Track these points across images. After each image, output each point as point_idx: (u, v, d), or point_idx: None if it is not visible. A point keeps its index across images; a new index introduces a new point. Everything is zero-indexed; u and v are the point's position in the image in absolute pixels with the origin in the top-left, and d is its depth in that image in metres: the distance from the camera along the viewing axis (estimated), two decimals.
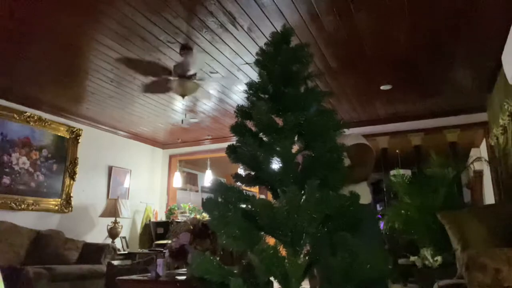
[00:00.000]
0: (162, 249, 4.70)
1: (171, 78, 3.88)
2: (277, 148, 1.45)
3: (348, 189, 1.98)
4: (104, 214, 5.42)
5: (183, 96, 3.89)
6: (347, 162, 2.09)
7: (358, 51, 3.47)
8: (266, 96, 1.59)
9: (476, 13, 2.86)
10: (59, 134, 5.14)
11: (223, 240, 1.42)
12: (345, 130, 1.76)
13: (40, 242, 4.35)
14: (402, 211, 4.47)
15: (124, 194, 6.06)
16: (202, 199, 9.02)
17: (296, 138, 1.52)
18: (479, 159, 5.09)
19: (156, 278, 2.77)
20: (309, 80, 1.65)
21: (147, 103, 4.80)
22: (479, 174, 5.88)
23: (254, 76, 3.75)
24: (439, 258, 3.90)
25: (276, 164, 1.47)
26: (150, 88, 4.25)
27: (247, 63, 3.69)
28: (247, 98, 1.62)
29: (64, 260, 4.31)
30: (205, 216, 3.61)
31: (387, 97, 4.59)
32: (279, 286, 1.40)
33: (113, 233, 5.37)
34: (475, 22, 2.98)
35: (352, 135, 2.41)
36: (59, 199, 5.05)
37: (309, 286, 3.88)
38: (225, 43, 3.31)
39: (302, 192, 1.42)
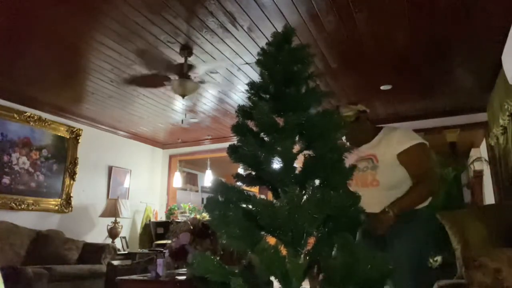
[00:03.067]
0: (162, 249, 4.70)
1: (171, 78, 3.89)
2: (278, 148, 1.45)
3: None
4: (104, 214, 5.42)
5: (183, 96, 3.89)
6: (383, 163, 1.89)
7: (358, 51, 3.47)
8: (267, 96, 1.59)
9: (476, 13, 2.86)
10: (59, 134, 5.13)
11: (224, 240, 1.42)
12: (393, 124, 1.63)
13: (40, 242, 4.35)
14: None
15: (124, 194, 6.06)
16: (202, 199, 9.03)
17: (297, 138, 1.52)
18: (479, 159, 5.09)
19: (156, 278, 2.77)
20: (310, 80, 1.65)
21: (147, 103, 4.79)
22: (479, 174, 5.87)
23: (254, 76, 3.76)
24: (439, 258, 3.90)
25: (277, 164, 1.47)
26: (147, 84, 4.18)
27: (247, 63, 3.70)
28: (248, 98, 1.62)
29: (64, 260, 4.31)
30: (205, 216, 3.61)
31: (387, 97, 4.59)
32: (280, 286, 1.40)
33: (113, 233, 5.37)
34: (475, 22, 2.98)
35: (400, 130, 1.98)
36: (59, 199, 5.05)
37: (309, 286, 3.88)
38: (225, 43, 3.31)
39: (303, 192, 1.42)
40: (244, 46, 3.37)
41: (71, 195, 5.20)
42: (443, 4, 2.76)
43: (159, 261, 2.86)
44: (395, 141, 1.92)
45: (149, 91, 4.39)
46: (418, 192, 1.84)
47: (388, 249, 1.86)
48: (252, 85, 1.61)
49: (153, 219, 6.32)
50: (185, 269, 2.89)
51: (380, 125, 2.18)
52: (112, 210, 5.38)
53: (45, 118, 4.93)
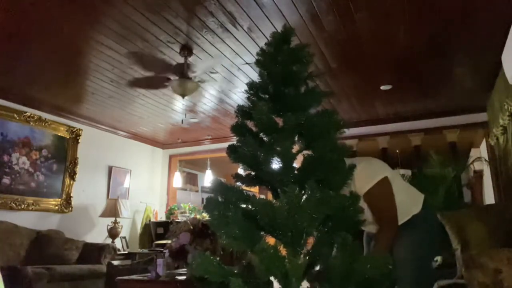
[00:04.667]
0: (162, 249, 4.70)
1: (171, 78, 3.89)
2: (278, 148, 1.45)
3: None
4: (104, 214, 5.42)
5: (183, 96, 3.89)
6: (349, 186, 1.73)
7: (358, 51, 3.47)
8: (267, 96, 1.60)
9: (476, 13, 2.86)
10: (59, 134, 5.14)
11: (224, 240, 1.42)
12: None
13: (40, 242, 4.35)
14: None
15: (124, 194, 6.06)
16: (202, 199, 9.04)
17: (296, 138, 1.53)
18: (479, 159, 5.09)
19: (156, 278, 2.77)
20: (310, 80, 1.65)
21: (147, 103, 4.80)
22: (479, 174, 5.87)
23: (254, 76, 3.75)
24: (439, 258, 3.90)
25: (276, 164, 1.47)
26: (147, 84, 4.21)
27: (247, 63, 3.70)
28: (248, 98, 1.62)
29: (64, 260, 4.31)
30: (205, 216, 3.61)
31: (387, 97, 4.59)
32: (279, 286, 1.40)
33: (113, 233, 5.37)
34: (475, 22, 2.98)
35: (359, 169, 1.68)
36: (59, 199, 5.05)
37: (309, 286, 3.87)
38: (225, 43, 3.32)
39: (303, 192, 1.42)
40: (244, 46, 3.37)
41: (71, 195, 5.20)
42: (443, 4, 2.76)
43: (159, 261, 2.85)
44: (356, 184, 1.80)
45: (149, 91, 4.39)
46: (385, 238, 1.81)
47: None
48: (251, 85, 1.61)
49: (153, 219, 6.32)
50: (185, 269, 2.89)
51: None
52: (112, 210, 5.38)
53: (45, 118, 4.93)
